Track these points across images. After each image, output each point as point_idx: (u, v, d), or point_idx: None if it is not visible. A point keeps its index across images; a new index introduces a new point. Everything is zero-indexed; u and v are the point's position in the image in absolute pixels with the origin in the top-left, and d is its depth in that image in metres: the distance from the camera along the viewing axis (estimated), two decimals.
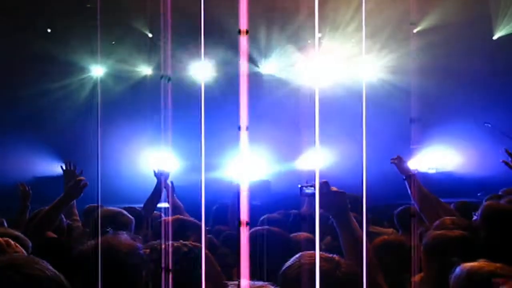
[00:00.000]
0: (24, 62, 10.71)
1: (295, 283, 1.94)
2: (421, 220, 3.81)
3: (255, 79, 11.27)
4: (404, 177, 4.08)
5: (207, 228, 4.57)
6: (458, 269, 2.15)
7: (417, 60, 9.96)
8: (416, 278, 2.84)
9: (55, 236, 3.84)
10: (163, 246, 2.23)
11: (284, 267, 2.04)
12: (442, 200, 3.99)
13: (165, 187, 4.87)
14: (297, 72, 11.38)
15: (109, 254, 2.08)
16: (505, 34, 10.78)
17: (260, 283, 1.78)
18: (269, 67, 11.83)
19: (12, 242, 2.31)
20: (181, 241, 2.32)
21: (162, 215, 4.25)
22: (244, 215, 1.56)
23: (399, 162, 4.25)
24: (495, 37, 10.90)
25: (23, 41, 10.41)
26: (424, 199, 3.88)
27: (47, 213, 3.74)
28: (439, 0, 10.46)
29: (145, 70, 11.91)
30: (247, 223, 1.60)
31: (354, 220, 2.41)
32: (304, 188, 2.50)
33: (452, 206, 4.27)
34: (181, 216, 3.64)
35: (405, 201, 4.25)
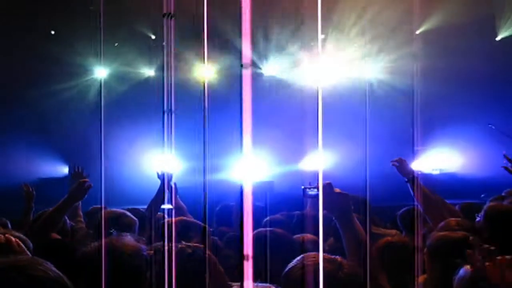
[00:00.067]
0: (27, 63, 10.74)
1: (298, 284, 1.94)
2: (424, 221, 3.81)
3: (257, 80, 11.27)
4: (406, 180, 4.07)
5: (210, 229, 4.58)
6: (461, 271, 2.14)
7: (420, 62, 9.95)
8: (420, 279, 2.84)
9: (59, 237, 3.85)
10: (166, 248, 2.24)
11: (287, 268, 2.05)
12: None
13: (168, 189, 4.87)
14: (300, 73, 11.38)
15: (113, 255, 2.09)
16: (509, 35, 10.77)
17: (263, 284, 1.79)
18: (271, 68, 11.83)
19: (13, 239, 2.31)
20: (183, 242, 2.33)
21: (166, 216, 4.26)
22: (247, 217, 1.56)
23: (400, 164, 4.22)
24: (498, 38, 10.89)
25: (27, 42, 10.45)
26: (428, 201, 3.87)
27: (51, 214, 3.74)
28: (441, 1, 10.45)
29: (148, 71, 11.94)
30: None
31: (357, 222, 2.41)
32: (307, 189, 2.50)
33: (457, 207, 4.27)
34: (185, 218, 3.65)
35: (408, 202, 4.24)
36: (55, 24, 11.10)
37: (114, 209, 3.80)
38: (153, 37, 11.41)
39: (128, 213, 3.68)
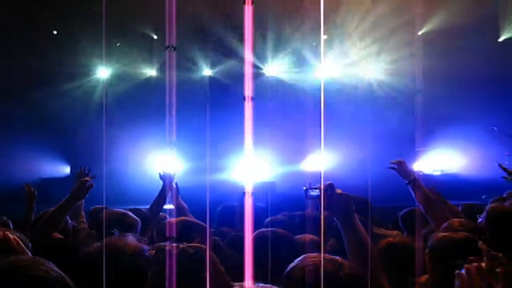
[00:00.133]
0: (30, 63, 10.74)
1: (300, 284, 1.94)
2: (426, 222, 3.81)
3: (259, 80, 11.28)
4: (407, 182, 4.06)
5: (212, 230, 4.58)
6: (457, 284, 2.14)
7: (422, 63, 9.95)
8: (421, 280, 2.84)
9: (61, 237, 3.86)
10: (168, 248, 2.24)
11: (288, 269, 2.05)
12: None
13: (169, 189, 4.88)
14: (302, 74, 11.38)
15: (115, 255, 2.09)
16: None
17: (264, 285, 1.79)
18: (273, 68, 11.82)
19: (12, 237, 2.30)
20: (184, 243, 2.33)
21: (167, 216, 4.26)
22: (248, 216, 1.57)
23: (399, 166, 4.19)
24: (501, 39, 10.88)
25: (29, 42, 10.47)
26: (429, 202, 3.87)
27: (52, 214, 3.75)
28: (443, 3, 10.45)
29: (150, 72, 11.95)
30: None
31: (359, 222, 2.41)
32: (309, 190, 2.50)
33: (459, 208, 4.27)
34: (186, 218, 3.65)
35: (410, 203, 4.24)
36: (57, 24, 11.11)
37: (116, 209, 3.81)
38: (155, 37, 11.44)
39: (130, 213, 3.69)
